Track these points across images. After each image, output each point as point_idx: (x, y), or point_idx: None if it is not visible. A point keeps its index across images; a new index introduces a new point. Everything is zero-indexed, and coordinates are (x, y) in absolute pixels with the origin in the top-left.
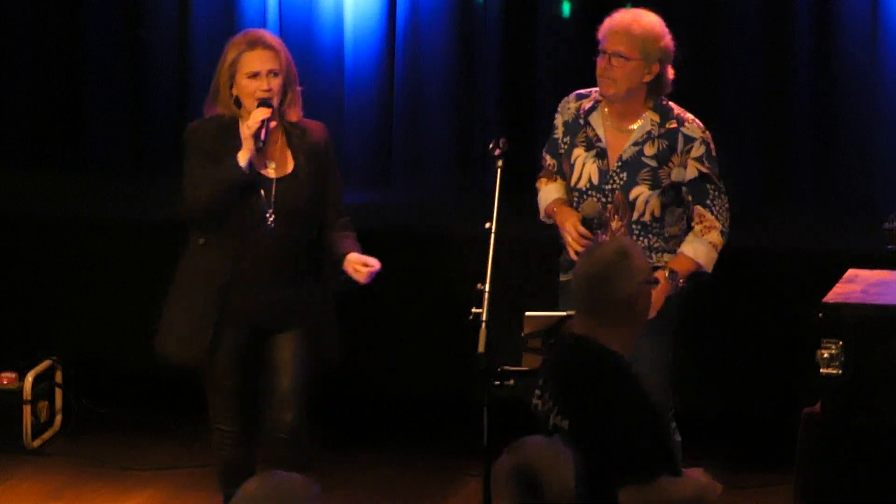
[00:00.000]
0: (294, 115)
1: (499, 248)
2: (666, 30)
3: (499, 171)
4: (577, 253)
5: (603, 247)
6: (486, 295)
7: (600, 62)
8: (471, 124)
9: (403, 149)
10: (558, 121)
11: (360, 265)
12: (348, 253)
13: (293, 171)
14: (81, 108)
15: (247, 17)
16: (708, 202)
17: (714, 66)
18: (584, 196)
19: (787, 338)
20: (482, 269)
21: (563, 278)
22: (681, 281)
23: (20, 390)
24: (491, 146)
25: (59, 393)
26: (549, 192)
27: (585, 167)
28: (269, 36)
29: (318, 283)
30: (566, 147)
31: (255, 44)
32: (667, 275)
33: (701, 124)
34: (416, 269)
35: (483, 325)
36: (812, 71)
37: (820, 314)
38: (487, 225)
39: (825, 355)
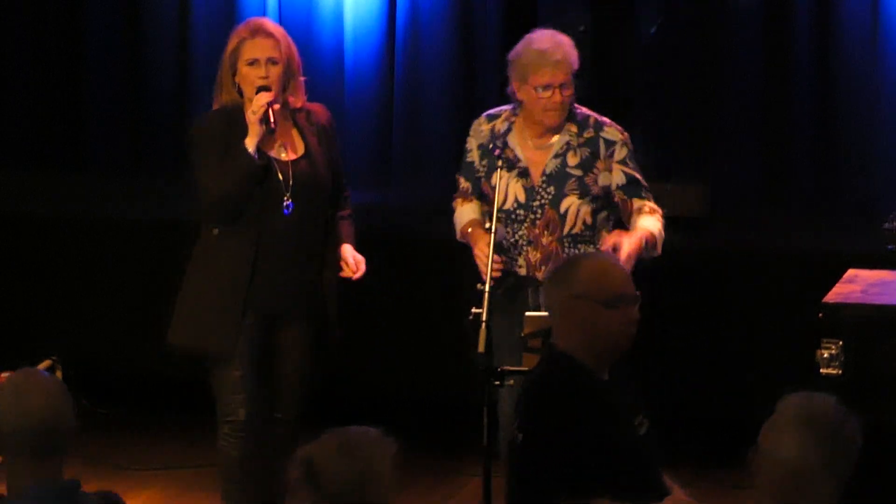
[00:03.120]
0: (298, 101)
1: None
2: None
3: (499, 171)
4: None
5: (571, 255)
6: (486, 295)
7: (547, 97)
8: (471, 124)
9: (403, 149)
10: (471, 144)
11: (352, 263)
12: (343, 243)
13: (305, 152)
14: (81, 108)
15: (247, 17)
16: (644, 194)
17: (714, 66)
18: (512, 216)
19: (787, 338)
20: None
21: (474, 310)
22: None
23: None
24: (491, 146)
25: None
26: (463, 214)
27: (510, 188)
28: (271, 24)
29: (331, 263)
30: (484, 170)
31: (255, 32)
32: (646, 238)
33: (618, 126)
34: (416, 269)
35: (483, 325)
36: (812, 71)
37: (820, 314)
38: (487, 225)
39: (825, 355)
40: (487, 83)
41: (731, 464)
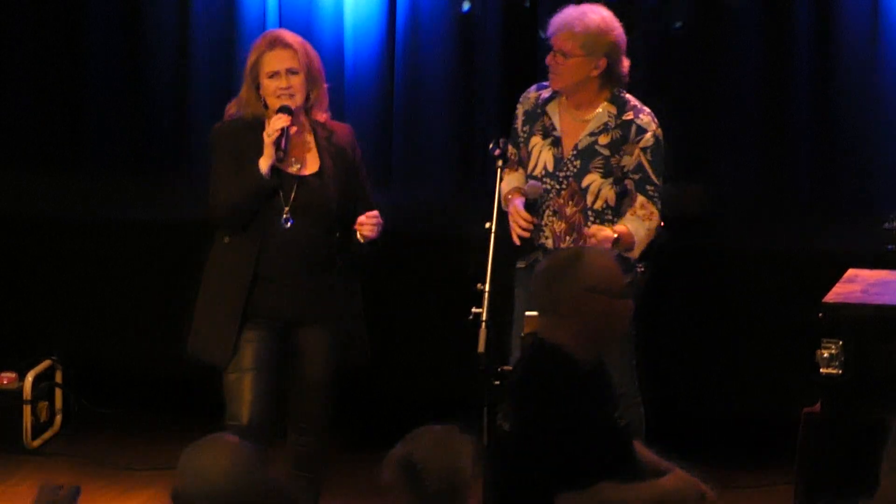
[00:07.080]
0: (321, 114)
1: (499, 248)
2: (615, 24)
3: (499, 171)
4: (521, 239)
5: (564, 249)
6: (486, 295)
7: (548, 58)
8: (471, 124)
9: (403, 149)
10: (519, 111)
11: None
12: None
13: (318, 170)
14: (81, 108)
15: (247, 17)
16: (649, 192)
17: (714, 66)
18: (539, 182)
19: (787, 338)
20: (482, 269)
21: (519, 265)
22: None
23: (20, 390)
24: (491, 146)
25: (59, 393)
26: (508, 183)
27: (542, 155)
28: (288, 35)
29: (345, 282)
30: (525, 136)
31: (273, 43)
32: (622, 235)
33: (656, 119)
34: (416, 269)
35: (483, 325)
36: (812, 71)
37: (820, 314)
38: (487, 225)
39: (825, 355)
40: (487, 83)
41: (732, 464)
